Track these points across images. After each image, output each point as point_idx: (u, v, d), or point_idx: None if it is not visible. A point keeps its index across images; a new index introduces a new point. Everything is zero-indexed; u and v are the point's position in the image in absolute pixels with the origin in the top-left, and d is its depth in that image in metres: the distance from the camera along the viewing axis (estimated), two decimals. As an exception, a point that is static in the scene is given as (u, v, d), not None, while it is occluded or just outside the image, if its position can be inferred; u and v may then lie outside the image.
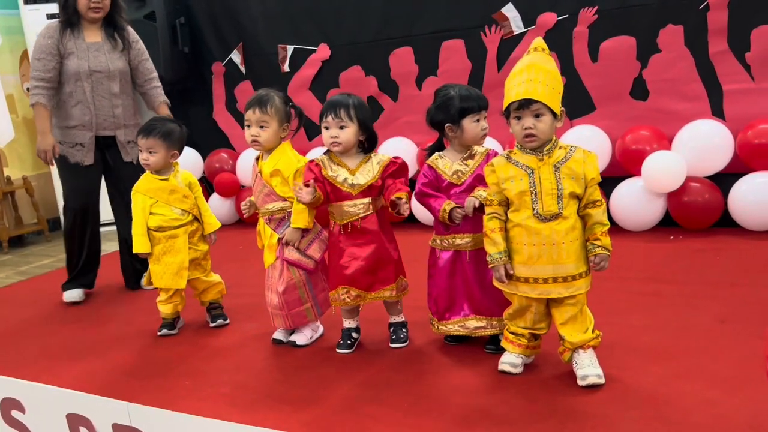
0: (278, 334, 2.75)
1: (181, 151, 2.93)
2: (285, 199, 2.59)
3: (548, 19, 4.09)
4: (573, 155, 2.10)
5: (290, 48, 4.96)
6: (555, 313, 2.18)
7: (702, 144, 3.63)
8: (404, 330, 2.64)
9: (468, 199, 2.32)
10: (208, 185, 5.25)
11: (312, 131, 5.01)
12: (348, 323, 2.65)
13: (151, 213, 2.87)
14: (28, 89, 5.47)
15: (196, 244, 2.93)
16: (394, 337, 2.62)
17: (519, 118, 2.07)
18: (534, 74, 2.03)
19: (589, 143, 3.89)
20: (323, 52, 4.85)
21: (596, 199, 2.11)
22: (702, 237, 3.60)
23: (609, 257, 2.12)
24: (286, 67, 5.00)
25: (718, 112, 3.76)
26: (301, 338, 2.69)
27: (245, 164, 5.04)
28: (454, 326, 2.49)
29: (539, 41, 2.11)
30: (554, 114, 2.06)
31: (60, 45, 3.36)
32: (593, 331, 2.18)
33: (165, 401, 2.30)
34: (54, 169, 5.32)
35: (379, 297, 2.55)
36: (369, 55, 4.71)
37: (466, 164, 2.41)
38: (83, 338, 3.03)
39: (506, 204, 2.16)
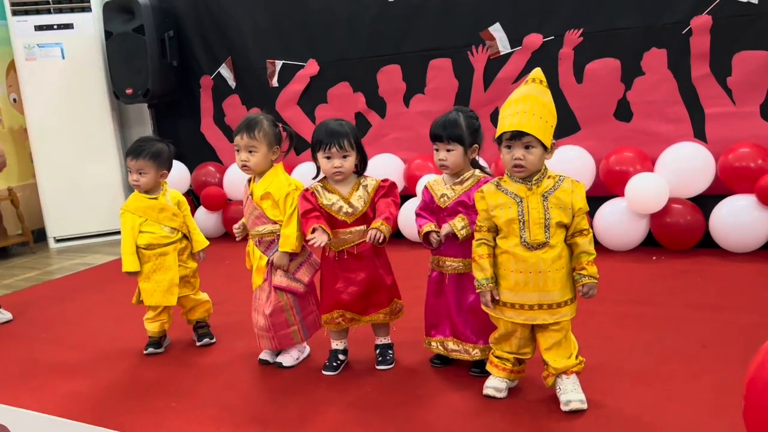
0: (264, 355, 2.76)
1: (169, 170, 2.94)
2: (275, 222, 2.60)
3: (534, 40, 4.15)
4: (561, 185, 2.14)
5: (279, 63, 4.98)
6: (540, 339, 2.21)
7: (684, 166, 3.70)
8: (390, 352, 2.67)
9: (444, 226, 2.37)
10: (195, 198, 5.25)
11: (300, 146, 5.02)
12: (336, 344, 2.67)
13: (140, 231, 2.87)
14: (14, 100, 5.47)
15: (186, 261, 2.94)
16: (380, 358, 2.64)
17: (509, 147, 2.11)
18: (529, 106, 2.07)
19: (573, 163, 3.97)
20: (312, 67, 4.88)
21: (583, 228, 2.15)
22: (684, 258, 3.66)
23: (596, 285, 2.16)
24: (274, 82, 5.02)
25: (700, 135, 3.83)
26: (287, 359, 2.71)
27: (232, 178, 5.05)
28: (436, 344, 2.54)
29: (538, 72, 2.15)
30: (545, 146, 2.09)
31: None
32: (577, 357, 2.21)
33: (153, 424, 2.32)
34: (40, 180, 5.33)
35: (373, 320, 2.58)
36: (357, 71, 4.74)
37: (453, 189, 2.45)
38: (69, 356, 3.03)
39: (495, 230, 2.20)
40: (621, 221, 3.81)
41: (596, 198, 4.00)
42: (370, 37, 4.65)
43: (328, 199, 2.50)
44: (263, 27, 5.00)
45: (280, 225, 2.58)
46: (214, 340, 3.04)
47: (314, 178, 2.58)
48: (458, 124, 2.39)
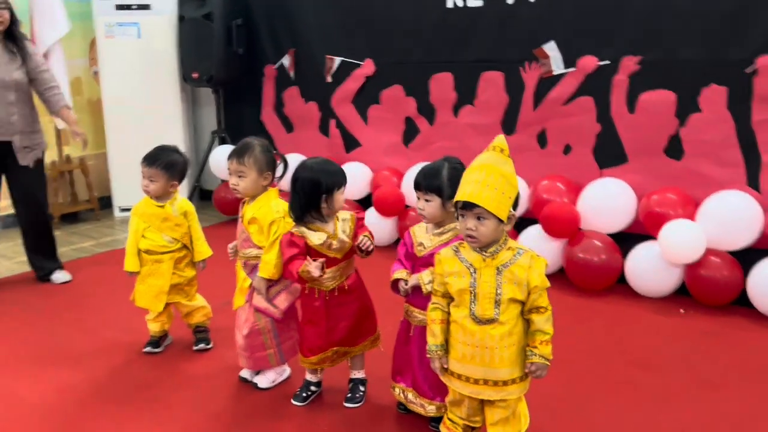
0: (244, 373, 2.83)
1: (180, 181, 3.03)
2: (260, 248, 2.64)
3: (589, 62, 3.92)
4: (518, 260, 2.03)
5: (337, 60, 4.97)
6: (486, 412, 2.14)
7: (728, 216, 3.42)
8: (362, 389, 2.67)
9: (412, 276, 2.33)
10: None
11: (350, 144, 5.04)
12: (310, 377, 2.70)
13: (143, 236, 2.99)
14: (95, 72, 5.77)
15: (183, 270, 3.03)
16: (349, 395, 2.65)
17: (463, 216, 2.03)
18: (485, 176, 1.98)
19: (614, 199, 3.77)
20: (368, 67, 4.84)
21: (540, 305, 2.05)
22: (713, 316, 3.41)
23: (547, 367, 2.06)
24: (329, 78, 5.02)
25: (753, 184, 3.52)
26: (262, 381, 2.77)
27: (284, 168, 5.14)
28: (399, 390, 2.52)
29: (500, 140, 2.05)
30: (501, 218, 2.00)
31: None
32: (524, 435, 2.13)
33: (116, 429, 2.44)
34: (110, 151, 5.63)
35: (363, 348, 2.61)
36: (411, 76, 4.66)
37: (431, 239, 2.38)
38: (78, 343, 3.22)
39: (450, 297, 2.13)
40: (653, 267, 3.59)
41: (633, 236, 3.80)
42: (427, 42, 4.55)
43: (318, 238, 2.46)
44: (327, 22, 4.99)
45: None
46: (210, 346, 3.14)
47: (298, 219, 2.50)
48: (439, 175, 2.32)
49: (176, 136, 5.67)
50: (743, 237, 3.42)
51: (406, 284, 2.36)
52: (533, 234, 3.98)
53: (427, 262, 2.35)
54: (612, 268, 3.74)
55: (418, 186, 2.35)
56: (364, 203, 4.79)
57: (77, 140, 3.99)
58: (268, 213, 2.62)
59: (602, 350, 3.08)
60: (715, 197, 3.50)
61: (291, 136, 5.41)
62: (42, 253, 4.12)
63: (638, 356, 3.02)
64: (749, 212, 3.41)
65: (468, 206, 1.98)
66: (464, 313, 2.06)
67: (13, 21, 3.76)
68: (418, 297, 2.37)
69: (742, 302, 3.47)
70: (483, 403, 2.16)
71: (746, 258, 3.46)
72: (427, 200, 2.33)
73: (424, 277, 2.29)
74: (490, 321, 2.03)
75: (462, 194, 1.99)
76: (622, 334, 3.26)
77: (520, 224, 4.12)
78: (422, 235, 2.40)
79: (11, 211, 5.26)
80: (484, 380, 2.07)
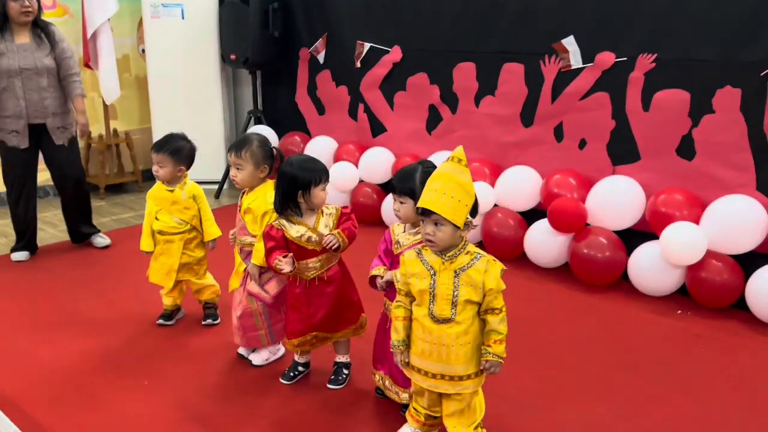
0: (242, 350, 3.04)
1: (188, 167, 3.23)
2: (254, 236, 2.82)
3: (607, 58, 3.92)
4: (475, 264, 2.14)
5: (367, 45, 5.08)
6: (443, 404, 2.28)
7: (732, 220, 3.40)
8: (346, 372, 2.84)
9: (388, 273, 2.46)
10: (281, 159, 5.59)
11: (376, 129, 5.17)
12: (297, 357, 2.89)
13: (156, 218, 3.21)
14: (142, 50, 6.04)
15: (192, 250, 3.25)
16: (333, 377, 2.83)
17: (423, 221, 2.14)
18: (443, 185, 2.09)
19: (622, 195, 3.79)
20: (396, 54, 4.93)
21: (495, 307, 2.15)
22: (709, 318, 3.42)
23: (501, 364, 2.18)
24: (358, 64, 5.14)
25: (764, 188, 3.49)
26: (256, 359, 2.97)
27: (313, 149, 5.32)
28: (378, 377, 2.68)
29: (459, 151, 2.14)
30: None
31: None
32: (477, 427, 2.27)
33: (115, 397, 2.70)
34: (155, 126, 5.91)
35: (345, 336, 2.77)
36: (435, 64, 4.73)
37: (407, 238, 2.51)
38: (99, 311, 3.50)
39: (412, 296, 2.26)
40: (655, 266, 3.61)
41: (640, 234, 3.82)
42: (451, 32, 4.61)
43: (296, 231, 2.62)
44: (358, 8, 5.10)
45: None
46: (217, 321, 3.36)
47: (278, 212, 2.65)
48: (412, 179, 2.43)
49: (215, 115, 5.92)
50: (746, 241, 3.42)
51: (382, 280, 2.50)
52: (542, 227, 4.03)
53: (400, 260, 2.48)
54: (615, 265, 3.78)
55: (394, 189, 2.47)
56: (386, 188, 4.92)
57: (77, 127, 4.26)
58: (262, 204, 2.79)
59: (589, 347, 3.16)
60: (722, 200, 3.50)
61: (323, 118, 5.57)
62: (82, 221, 4.48)
63: (623, 356, 3.08)
64: (754, 217, 3.39)
65: (426, 213, 2.10)
66: (424, 312, 2.19)
67: (39, 8, 4.05)
68: (393, 292, 2.49)
69: (741, 306, 3.47)
70: (441, 396, 2.29)
71: (748, 262, 3.45)
72: (401, 202, 2.45)
73: (398, 275, 2.42)
74: (447, 320, 2.15)
75: (421, 201, 2.11)
76: (614, 332, 3.32)
77: (530, 216, 4.19)
78: (400, 234, 2.53)
79: (50, 182, 5.63)
80: (441, 375, 2.20)
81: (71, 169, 4.31)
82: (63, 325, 3.35)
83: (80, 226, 4.49)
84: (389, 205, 4.59)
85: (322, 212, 2.66)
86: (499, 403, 2.59)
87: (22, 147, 4.08)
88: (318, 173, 2.58)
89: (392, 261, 2.54)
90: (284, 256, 2.56)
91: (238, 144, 2.81)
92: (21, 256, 4.30)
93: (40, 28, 4.06)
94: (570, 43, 4.07)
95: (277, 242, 2.61)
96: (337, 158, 5.19)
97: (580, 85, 4.07)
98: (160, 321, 3.36)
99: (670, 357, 3.07)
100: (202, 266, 3.31)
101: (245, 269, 2.88)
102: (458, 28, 4.58)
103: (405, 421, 2.49)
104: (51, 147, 4.17)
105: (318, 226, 2.63)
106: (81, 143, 4.52)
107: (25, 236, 4.31)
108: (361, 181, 5.02)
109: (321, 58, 5.42)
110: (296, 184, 2.55)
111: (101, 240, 4.52)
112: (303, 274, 2.65)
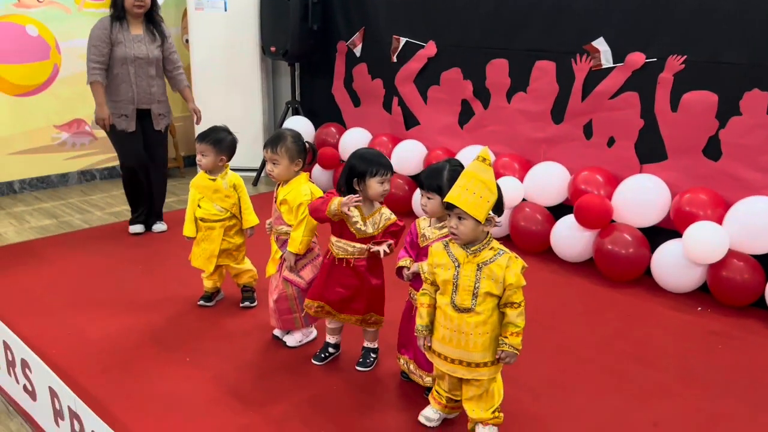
0: (277, 331, 3.24)
1: (229, 158, 3.42)
2: (290, 226, 3.00)
3: (637, 59, 4.00)
4: (498, 259, 2.29)
5: (403, 40, 5.21)
6: (463, 388, 2.44)
7: (754, 221, 3.48)
8: (373, 356, 3.01)
9: (415, 265, 2.61)
10: (314, 152, 5.75)
11: (409, 122, 5.31)
12: (329, 338, 3.07)
13: (199, 205, 3.41)
14: (186, 41, 6.26)
15: (232, 237, 3.44)
16: (360, 360, 3.00)
17: (449, 215, 2.29)
18: (468, 182, 2.23)
19: (647, 193, 3.89)
20: (430, 49, 5.06)
21: (514, 301, 2.29)
22: (727, 317, 3.51)
23: (516, 355, 2.32)
24: (394, 58, 5.27)
25: (788, 190, 3.56)
26: (290, 340, 3.16)
27: (349, 140, 5.49)
28: (404, 361, 2.84)
29: (484, 151, 2.28)
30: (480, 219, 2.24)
31: (111, 35, 4.22)
32: (495, 412, 2.42)
33: (159, 372, 2.91)
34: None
35: (345, 320, 2.92)
36: (469, 59, 4.85)
37: (432, 232, 2.66)
38: (144, 292, 3.72)
39: (437, 285, 2.41)
40: (677, 264, 3.71)
41: (664, 231, 3.91)
42: (485, 29, 4.72)
43: (351, 210, 2.73)
44: (395, 4, 5.23)
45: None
46: (254, 304, 3.56)
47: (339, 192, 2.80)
48: (440, 176, 2.57)
49: (254, 105, 6.12)
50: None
51: (408, 271, 2.65)
52: (569, 222, 4.14)
53: (428, 252, 2.63)
54: (639, 262, 3.88)
55: (422, 185, 2.62)
56: (417, 180, 5.06)
57: (195, 116, 4.63)
58: (297, 196, 2.96)
59: (607, 340, 3.28)
60: (745, 201, 3.57)
61: (358, 110, 5.73)
62: (155, 205, 4.72)
63: (638, 350, 3.20)
64: (777, 219, 3.46)
65: (450, 207, 2.25)
66: (446, 301, 2.35)
67: (154, 3, 4.35)
68: (418, 282, 2.65)
69: (761, 305, 3.55)
70: (461, 380, 2.45)
71: (770, 264, 3.53)
72: (429, 198, 2.60)
73: (423, 266, 2.56)
74: (468, 310, 2.30)
75: (447, 196, 2.26)
76: (633, 326, 3.43)
77: (558, 211, 4.30)
78: (425, 228, 2.68)
79: (108, 164, 5.91)
80: (460, 360, 2.36)
81: (163, 155, 4.67)
82: (110, 303, 3.57)
83: (152, 210, 4.72)
84: (420, 197, 4.73)
85: (381, 212, 2.79)
86: (517, 389, 2.74)
87: (129, 130, 4.39)
88: (376, 166, 2.71)
89: (418, 253, 2.69)
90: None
91: (273, 140, 2.98)
92: (136, 228, 4.66)
93: (153, 24, 4.37)
94: (600, 43, 4.15)
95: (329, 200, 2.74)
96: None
97: (610, 85, 4.16)
98: (201, 302, 3.57)
99: (687, 352, 3.18)
100: (240, 252, 3.50)
101: (281, 256, 3.06)
102: (492, 25, 4.68)
103: (428, 403, 2.66)
104: (150, 131, 4.49)
105: (370, 218, 2.78)
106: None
107: (137, 213, 4.66)
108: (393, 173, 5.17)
109: (358, 51, 5.57)
110: (353, 172, 2.72)
111: (159, 226, 4.73)
112: (333, 249, 2.82)
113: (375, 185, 2.74)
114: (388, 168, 2.76)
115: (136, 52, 4.27)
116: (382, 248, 2.71)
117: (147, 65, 4.33)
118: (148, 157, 4.54)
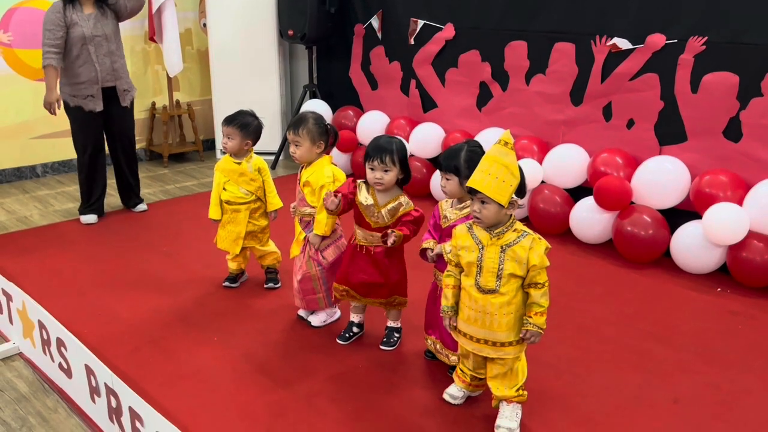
0: (302, 312, 3.30)
1: (254, 142, 3.46)
2: (312, 207, 3.05)
3: (657, 40, 3.99)
4: (521, 241, 2.32)
5: (420, 22, 5.22)
6: (488, 366, 2.49)
7: (775, 202, 3.51)
8: (396, 335, 3.07)
9: (438, 246, 2.65)
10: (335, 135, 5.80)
11: (427, 105, 5.33)
12: (353, 318, 3.13)
13: (224, 189, 3.47)
14: (204, 24, 6.29)
15: (257, 219, 3.50)
16: (384, 339, 3.06)
17: (472, 199, 2.33)
18: (490, 166, 2.26)
19: (668, 176, 3.90)
20: (448, 31, 5.06)
21: (538, 282, 2.33)
22: (747, 297, 3.53)
23: (540, 335, 2.36)
24: (412, 40, 5.29)
25: (809, 171, 3.57)
26: (314, 320, 3.23)
27: (366, 123, 5.52)
28: (430, 341, 2.89)
29: (507, 135, 2.30)
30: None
31: (65, 18, 4.21)
32: (519, 390, 2.47)
33: (187, 350, 2.99)
34: (215, 97, 6.17)
35: (370, 303, 2.99)
36: (487, 42, 4.86)
37: (454, 213, 2.70)
38: (171, 273, 3.80)
39: (461, 266, 2.46)
40: (697, 245, 3.73)
41: (684, 212, 3.93)
42: (504, 11, 4.72)
43: (365, 198, 2.83)
44: (413, -15, 5.24)
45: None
46: (278, 285, 3.63)
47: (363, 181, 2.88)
48: (458, 157, 2.61)
49: (272, 88, 6.15)
50: (789, 223, 3.51)
51: (432, 252, 2.70)
52: (588, 204, 4.17)
53: (450, 233, 2.67)
54: (658, 243, 3.90)
55: (440, 166, 2.66)
56: (436, 162, 5.10)
57: None
58: (320, 177, 3.01)
59: (627, 320, 3.32)
60: (765, 182, 3.58)
61: (375, 93, 5.75)
62: (134, 183, 4.83)
63: (657, 329, 3.23)
64: (797, 200, 3.47)
65: (473, 191, 2.29)
66: (471, 282, 2.40)
67: None
68: (442, 263, 2.70)
69: (781, 286, 3.58)
70: (485, 359, 2.50)
71: (790, 244, 3.54)
72: (447, 179, 2.65)
73: (446, 247, 2.61)
74: (492, 291, 2.35)
75: (470, 181, 2.30)
76: (653, 307, 3.47)
77: (577, 193, 4.32)
78: (447, 209, 2.72)
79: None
80: (485, 340, 2.41)
81: (130, 131, 4.70)
82: (138, 285, 3.65)
83: (131, 188, 4.82)
84: (438, 180, 4.76)
85: (399, 200, 2.82)
86: (540, 368, 2.79)
87: (97, 110, 4.42)
88: (369, 152, 2.76)
89: (441, 234, 2.74)
90: (335, 196, 2.79)
91: (295, 123, 3.03)
92: (90, 218, 4.63)
93: (102, 0, 4.38)
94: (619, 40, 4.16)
95: (347, 190, 2.82)
96: (388, 133, 5.37)
97: (629, 66, 4.16)
98: (226, 283, 3.64)
99: (705, 331, 3.22)
100: (265, 234, 3.56)
101: (305, 238, 3.11)
102: (510, 7, 4.68)
103: (451, 381, 2.72)
104: (116, 109, 4.53)
105: (384, 207, 2.81)
106: (145, 114, 4.82)
107: (93, 199, 4.65)
108: (411, 155, 5.20)
109: (378, 34, 5.57)
110: (367, 156, 2.79)
111: (142, 206, 4.87)
112: (358, 238, 2.88)
113: (367, 172, 2.80)
114: (377, 153, 2.73)
115: (93, 31, 4.28)
116: (390, 240, 2.73)
117: (106, 42, 4.34)
118: (117, 135, 4.61)
